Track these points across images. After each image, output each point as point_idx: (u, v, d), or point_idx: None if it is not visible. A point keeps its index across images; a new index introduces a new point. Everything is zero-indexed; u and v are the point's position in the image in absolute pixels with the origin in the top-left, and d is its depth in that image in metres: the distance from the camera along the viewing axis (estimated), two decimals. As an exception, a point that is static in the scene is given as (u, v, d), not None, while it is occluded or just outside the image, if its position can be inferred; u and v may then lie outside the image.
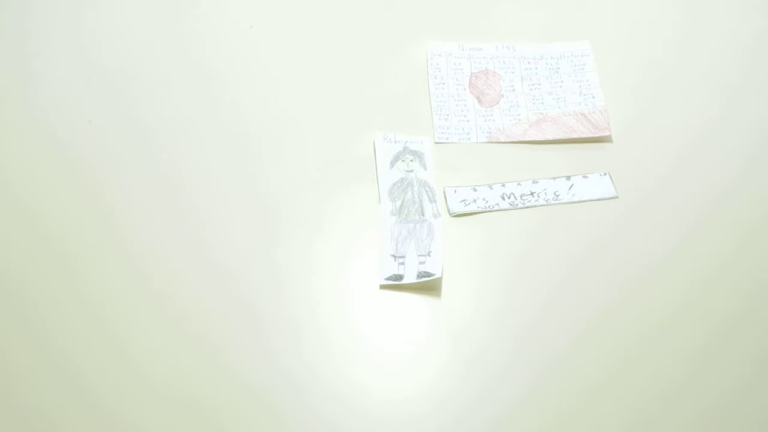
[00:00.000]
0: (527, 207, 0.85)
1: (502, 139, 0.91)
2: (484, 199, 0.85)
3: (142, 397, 0.72)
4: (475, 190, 0.86)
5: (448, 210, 0.85)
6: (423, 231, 0.83)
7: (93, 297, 0.78)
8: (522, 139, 0.91)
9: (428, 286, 0.79)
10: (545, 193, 0.86)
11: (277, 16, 1.03)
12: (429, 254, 0.81)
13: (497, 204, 0.85)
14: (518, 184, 0.86)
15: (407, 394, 0.73)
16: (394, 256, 0.81)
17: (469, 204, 0.85)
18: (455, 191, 0.86)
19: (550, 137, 0.91)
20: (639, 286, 0.79)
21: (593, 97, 0.94)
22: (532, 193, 0.86)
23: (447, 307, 0.78)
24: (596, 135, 0.91)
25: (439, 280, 0.79)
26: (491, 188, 0.86)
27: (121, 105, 0.93)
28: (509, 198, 0.85)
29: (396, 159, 0.88)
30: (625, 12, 1.03)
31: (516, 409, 0.72)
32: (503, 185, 0.86)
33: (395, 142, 0.89)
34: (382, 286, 0.79)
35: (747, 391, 0.73)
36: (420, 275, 0.79)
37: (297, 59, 0.98)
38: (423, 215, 0.84)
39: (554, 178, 0.87)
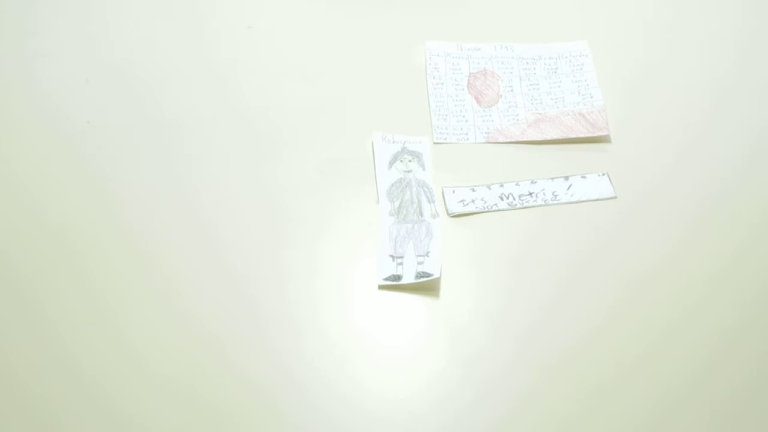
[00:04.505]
0: (525, 207, 0.85)
1: (501, 140, 0.91)
2: (482, 199, 0.85)
3: (145, 393, 0.72)
4: (473, 191, 0.86)
5: (447, 210, 0.85)
6: (421, 231, 0.83)
7: (97, 295, 0.78)
8: (520, 140, 0.91)
9: (427, 286, 0.79)
10: (543, 194, 0.86)
11: (276, 17, 1.03)
12: (427, 254, 0.81)
13: (496, 204, 0.85)
14: (516, 184, 0.86)
15: (406, 393, 0.73)
16: (392, 257, 0.81)
17: (467, 204, 0.85)
18: (453, 191, 0.86)
19: (549, 137, 0.91)
20: (638, 286, 0.79)
21: (591, 97, 0.94)
22: (530, 194, 0.86)
23: (445, 307, 0.78)
24: (595, 134, 0.91)
25: (438, 280, 0.79)
26: (490, 188, 0.86)
27: (123, 104, 0.93)
28: (508, 198, 0.85)
29: (394, 159, 0.88)
30: (622, 12, 1.03)
31: (516, 410, 0.72)
32: (502, 185, 0.86)
33: (394, 143, 0.89)
34: (381, 287, 0.79)
35: (752, 392, 0.73)
36: (418, 275, 0.79)
37: (295, 59, 0.98)
38: (421, 215, 0.84)
39: (553, 179, 0.87)
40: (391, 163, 0.88)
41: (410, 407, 0.73)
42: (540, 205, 0.85)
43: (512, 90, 0.95)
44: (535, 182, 0.86)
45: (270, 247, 0.82)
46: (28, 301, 0.78)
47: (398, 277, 0.79)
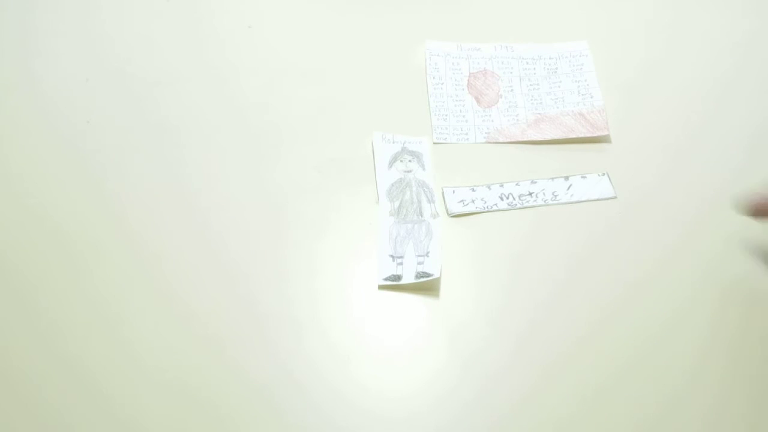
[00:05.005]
0: (525, 207, 0.85)
1: (501, 140, 0.91)
2: (482, 199, 0.85)
3: (145, 393, 0.72)
4: (473, 191, 0.86)
5: (447, 210, 0.85)
6: (421, 231, 0.83)
7: (97, 295, 0.78)
8: (520, 140, 0.91)
9: (426, 286, 0.79)
10: (543, 194, 0.86)
11: (276, 17, 1.03)
12: (427, 255, 0.81)
13: (495, 204, 0.85)
14: (516, 184, 0.86)
15: (406, 392, 0.73)
16: (392, 257, 0.81)
17: (467, 204, 0.85)
18: (453, 192, 0.86)
19: (549, 137, 0.91)
20: (638, 286, 0.79)
21: (591, 97, 0.94)
22: (530, 194, 0.86)
23: (445, 307, 0.78)
24: (595, 135, 0.91)
25: (438, 280, 0.79)
26: (489, 188, 0.86)
27: (123, 104, 0.93)
28: (507, 198, 0.85)
29: (394, 159, 0.88)
30: (622, 12, 1.04)
31: (515, 409, 0.72)
32: (501, 185, 0.86)
33: (393, 143, 0.89)
34: (381, 287, 0.79)
35: (751, 391, 0.73)
36: (418, 276, 0.79)
37: (295, 59, 0.98)
38: (421, 215, 0.84)
39: (552, 179, 0.87)
40: (391, 163, 0.88)
41: (410, 407, 0.73)
42: (540, 205, 0.85)
43: (512, 90, 0.96)
44: (535, 182, 0.87)
45: (270, 247, 0.82)
46: (28, 301, 0.78)
47: (398, 277, 0.79)
